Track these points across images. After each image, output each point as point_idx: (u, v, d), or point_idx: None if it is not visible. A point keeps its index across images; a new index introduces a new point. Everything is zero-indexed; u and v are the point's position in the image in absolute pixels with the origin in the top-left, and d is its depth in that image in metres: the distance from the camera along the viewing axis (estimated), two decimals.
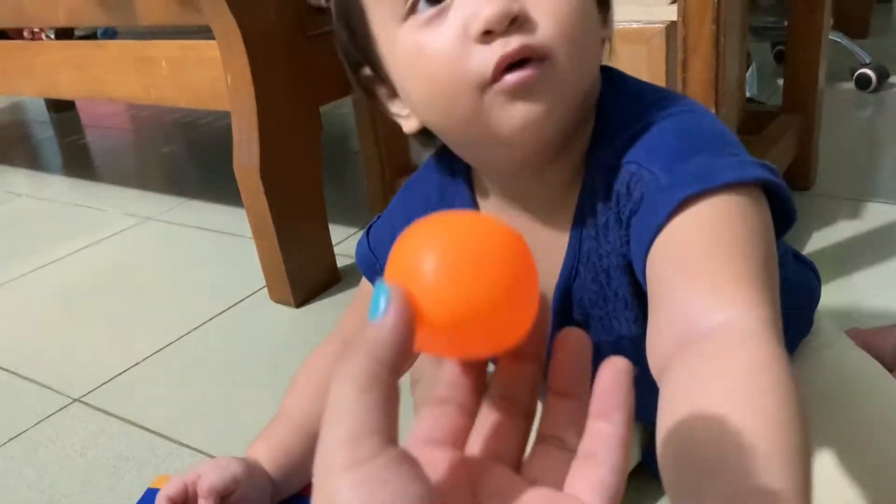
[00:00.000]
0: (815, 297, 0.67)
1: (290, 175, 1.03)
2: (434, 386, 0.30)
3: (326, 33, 1.05)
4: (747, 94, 1.57)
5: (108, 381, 0.96)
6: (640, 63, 0.77)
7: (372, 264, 0.60)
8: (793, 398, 0.30)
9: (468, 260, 0.26)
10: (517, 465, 0.28)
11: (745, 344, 0.33)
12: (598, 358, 0.27)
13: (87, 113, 2.35)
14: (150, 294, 1.19)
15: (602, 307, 0.50)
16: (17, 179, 1.90)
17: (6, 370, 1.02)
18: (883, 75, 1.69)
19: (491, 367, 0.31)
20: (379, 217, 0.62)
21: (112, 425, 0.87)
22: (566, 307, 0.51)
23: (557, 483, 0.26)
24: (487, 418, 0.29)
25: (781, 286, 0.39)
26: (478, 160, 0.51)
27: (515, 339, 0.28)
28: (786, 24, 1.25)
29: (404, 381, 0.27)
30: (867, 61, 1.70)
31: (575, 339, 0.28)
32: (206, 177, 1.74)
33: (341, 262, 1.17)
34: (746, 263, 0.37)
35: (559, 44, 0.42)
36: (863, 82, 1.69)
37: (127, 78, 1.18)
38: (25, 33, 1.38)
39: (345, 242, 1.24)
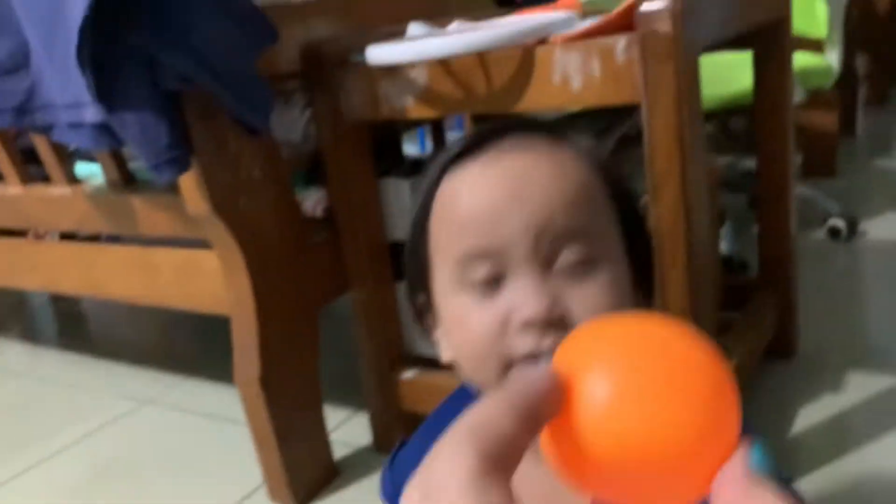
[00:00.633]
0: None
1: (289, 380, 1.06)
2: None
3: (322, 242, 1.11)
4: (725, 252, 1.64)
5: None
6: None
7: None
8: None
9: (658, 377, 0.22)
10: None
11: None
12: None
13: None
14: (148, 493, 1.19)
15: None
16: (14, 353, 1.92)
17: None
18: (853, 225, 1.77)
19: None
20: (402, 444, 0.63)
21: None
22: None
23: None
24: None
25: None
26: None
27: (703, 489, 0.23)
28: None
29: None
30: (836, 212, 1.78)
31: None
32: (205, 351, 1.76)
33: (338, 451, 1.18)
34: None
35: None
36: (834, 233, 1.76)
37: (129, 280, 1.23)
38: (30, 234, 1.43)
39: (340, 429, 1.26)
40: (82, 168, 1.25)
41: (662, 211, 0.82)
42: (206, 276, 1.11)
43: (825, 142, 2.25)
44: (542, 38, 0.86)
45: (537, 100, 0.88)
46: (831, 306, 1.46)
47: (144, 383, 1.57)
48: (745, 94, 1.41)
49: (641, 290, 0.52)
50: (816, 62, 1.71)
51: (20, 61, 0.99)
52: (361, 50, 0.97)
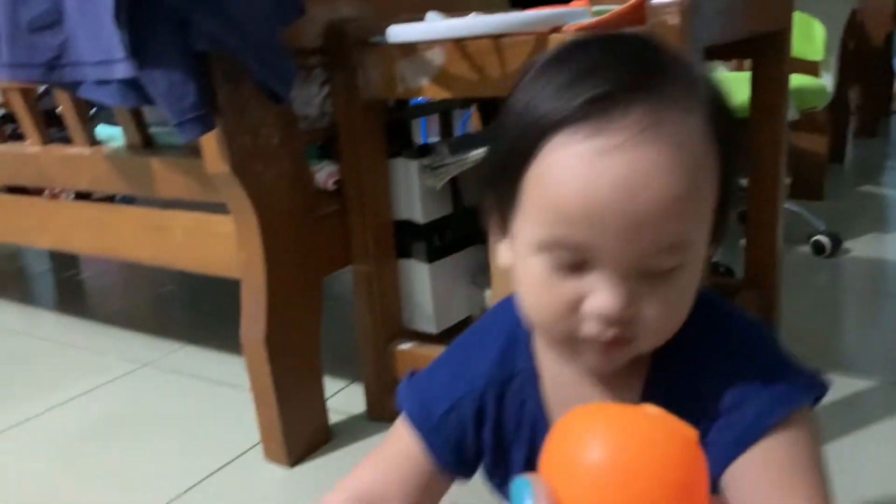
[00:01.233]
0: None
1: (292, 344, 1.11)
2: None
3: (331, 213, 1.16)
4: (713, 259, 1.70)
5: None
6: None
7: (424, 419, 0.59)
8: None
9: (633, 472, 0.26)
10: None
11: None
12: None
13: None
14: (144, 449, 1.22)
15: None
16: (12, 315, 1.95)
17: None
18: (837, 242, 1.83)
19: None
20: (433, 368, 0.62)
21: None
22: None
23: None
24: None
25: None
26: (547, 344, 0.55)
27: None
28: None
29: None
30: (822, 229, 1.84)
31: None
32: (203, 320, 1.80)
33: (332, 418, 1.22)
34: (813, 487, 0.48)
35: (651, 334, 0.48)
36: (818, 249, 1.83)
37: (141, 242, 1.27)
38: (46, 192, 1.47)
39: (335, 398, 1.30)
40: (103, 130, 1.29)
41: None
42: (216, 240, 1.15)
43: (814, 165, 2.33)
44: (555, 27, 0.91)
45: None
46: (810, 315, 1.52)
47: (143, 347, 1.61)
48: (740, 109, 1.47)
49: (714, 239, 0.51)
50: (812, 83, 1.78)
51: (55, 17, 1.03)
52: (382, 32, 1.02)
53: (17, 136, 1.47)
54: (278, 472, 1.12)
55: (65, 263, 2.30)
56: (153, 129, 1.24)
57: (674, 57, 0.48)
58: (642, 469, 0.26)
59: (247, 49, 0.95)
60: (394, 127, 1.24)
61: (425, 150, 1.22)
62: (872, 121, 3.32)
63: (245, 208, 1.03)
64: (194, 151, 1.05)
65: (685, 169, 0.44)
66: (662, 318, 0.48)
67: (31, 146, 1.36)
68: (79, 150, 1.28)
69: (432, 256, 1.23)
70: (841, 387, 1.22)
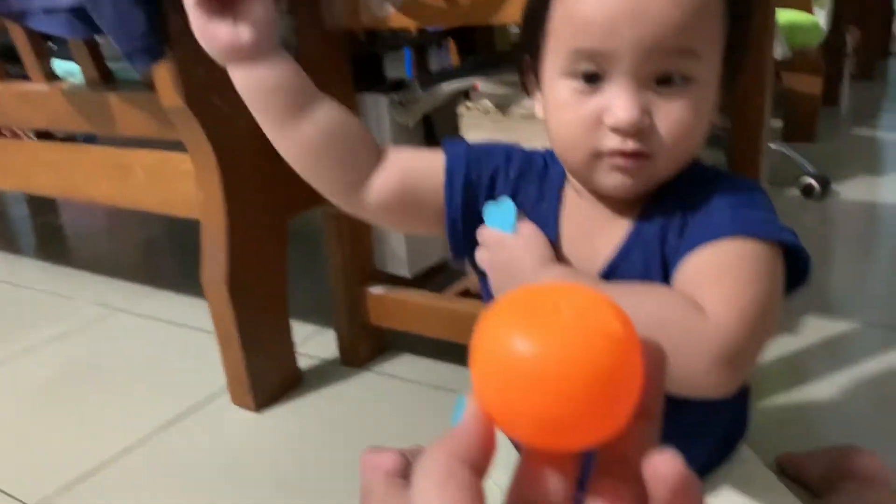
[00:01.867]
0: (744, 422, 0.72)
1: (256, 286, 1.07)
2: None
3: None
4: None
5: (67, 487, 0.97)
6: None
7: (455, 146, 0.64)
8: (672, 328, 0.47)
9: (555, 366, 0.26)
10: None
11: (700, 316, 0.48)
12: None
13: None
14: (113, 393, 1.21)
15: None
16: None
17: None
18: (826, 185, 1.79)
19: None
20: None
21: None
22: (608, 277, 0.59)
23: None
24: (599, 483, 0.29)
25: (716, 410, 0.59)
26: (573, 174, 0.60)
27: (609, 435, 0.28)
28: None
29: None
30: (811, 171, 1.80)
31: (652, 355, 0.29)
32: (179, 266, 1.77)
33: (303, 362, 1.20)
34: (746, 297, 0.49)
35: (666, 150, 0.54)
36: (807, 191, 1.79)
37: (103, 182, 1.23)
38: (6, 132, 1.42)
39: (306, 343, 1.28)
40: (60, 66, 1.24)
41: None
42: (178, 179, 1.11)
43: (807, 106, 2.27)
44: None
45: (516, 13, 0.89)
46: None
47: (118, 292, 1.59)
48: None
49: (728, 88, 0.57)
50: (804, 18, 1.72)
51: None
52: None
53: None
54: (246, 415, 1.10)
55: (42, 209, 2.27)
56: (113, 65, 1.18)
57: None
58: (557, 366, 0.26)
59: None
60: (365, 61, 1.19)
61: (397, 86, 1.17)
62: (870, 62, 3.25)
63: (202, 144, 0.99)
64: (154, 87, 1.00)
65: None
66: (674, 135, 0.53)
67: None
68: (36, 86, 1.23)
69: None
70: (826, 329, 1.20)
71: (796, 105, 2.27)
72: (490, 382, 0.28)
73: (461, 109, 1.07)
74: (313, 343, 1.29)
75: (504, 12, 0.89)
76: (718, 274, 0.50)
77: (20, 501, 0.95)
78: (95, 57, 1.15)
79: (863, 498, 0.74)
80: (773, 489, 0.69)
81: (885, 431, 0.94)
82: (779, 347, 1.16)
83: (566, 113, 0.55)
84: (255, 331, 1.08)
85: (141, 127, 1.12)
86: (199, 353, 1.29)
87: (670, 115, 0.53)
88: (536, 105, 0.61)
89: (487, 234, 0.61)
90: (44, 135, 1.40)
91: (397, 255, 1.22)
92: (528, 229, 0.60)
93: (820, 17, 1.76)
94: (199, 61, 0.94)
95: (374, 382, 1.16)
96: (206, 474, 0.98)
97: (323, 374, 1.19)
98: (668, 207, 0.57)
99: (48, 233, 2.16)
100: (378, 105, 1.12)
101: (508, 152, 0.65)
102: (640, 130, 0.52)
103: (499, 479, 0.34)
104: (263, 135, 1.05)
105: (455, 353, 1.17)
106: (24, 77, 1.27)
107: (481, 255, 0.61)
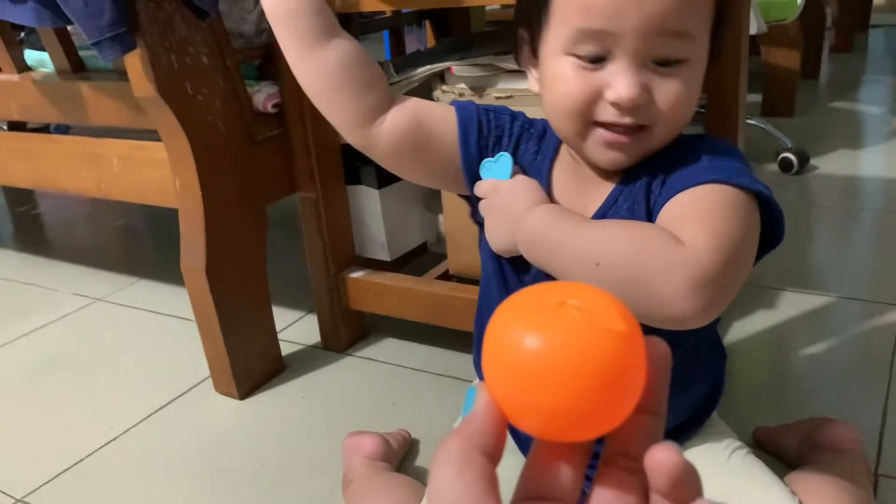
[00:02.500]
0: (718, 390, 0.73)
1: (236, 273, 1.07)
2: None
3: (272, 138, 1.11)
4: None
5: (53, 478, 0.97)
6: None
7: (466, 104, 0.68)
8: (646, 260, 0.51)
9: (561, 362, 0.27)
10: None
11: (677, 243, 0.51)
12: None
13: None
14: (95, 384, 1.20)
15: None
16: None
17: None
18: (804, 159, 1.80)
19: None
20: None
21: None
22: None
23: None
24: (606, 475, 0.30)
25: (691, 375, 0.67)
26: (567, 143, 0.64)
27: (614, 427, 0.29)
28: None
29: None
30: (789, 146, 1.81)
31: (657, 353, 0.29)
32: (159, 255, 1.77)
33: (286, 349, 1.20)
34: (720, 230, 0.52)
35: (661, 125, 0.57)
36: (785, 166, 1.80)
37: (78, 172, 1.22)
38: None
39: (289, 329, 1.28)
40: (31, 56, 1.22)
41: None
42: (153, 168, 1.11)
43: (786, 80, 2.28)
44: None
45: None
46: None
47: (97, 283, 1.58)
48: None
49: (713, 59, 0.60)
50: None
51: None
52: None
53: None
54: (230, 403, 1.10)
55: (20, 198, 2.24)
56: (84, 53, 1.17)
57: None
58: (564, 362, 0.27)
59: None
60: None
61: None
62: (850, 34, 3.25)
63: (176, 133, 0.98)
64: (126, 75, 0.99)
65: None
66: (671, 109, 0.56)
67: None
68: (7, 76, 1.22)
69: (382, 181, 1.19)
70: (804, 302, 1.21)
71: (775, 79, 2.27)
72: (500, 377, 0.29)
73: (436, 93, 1.06)
74: (295, 329, 1.29)
75: None
76: (696, 212, 0.54)
77: (5, 493, 0.95)
78: (66, 46, 1.13)
79: (836, 468, 0.75)
80: (743, 457, 0.70)
81: (861, 404, 0.96)
82: (756, 321, 1.17)
83: (566, 85, 0.57)
84: (235, 318, 1.08)
85: (114, 116, 1.11)
86: (180, 341, 1.29)
87: (668, 93, 0.56)
88: (531, 79, 0.64)
89: (485, 183, 0.65)
90: (16, 125, 1.38)
91: (377, 239, 1.22)
92: (523, 176, 0.64)
93: None
94: (170, 49, 0.94)
95: (356, 367, 1.17)
96: (191, 463, 0.98)
97: (305, 360, 1.20)
98: (654, 165, 0.60)
99: (26, 223, 2.14)
100: None
101: (513, 113, 0.69)
102: (638, 107, 0.55)
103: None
104: (238, 121, 1.05)
105: (437, 335, 1.17)
106: None
107: (481, 205, 0.65)
